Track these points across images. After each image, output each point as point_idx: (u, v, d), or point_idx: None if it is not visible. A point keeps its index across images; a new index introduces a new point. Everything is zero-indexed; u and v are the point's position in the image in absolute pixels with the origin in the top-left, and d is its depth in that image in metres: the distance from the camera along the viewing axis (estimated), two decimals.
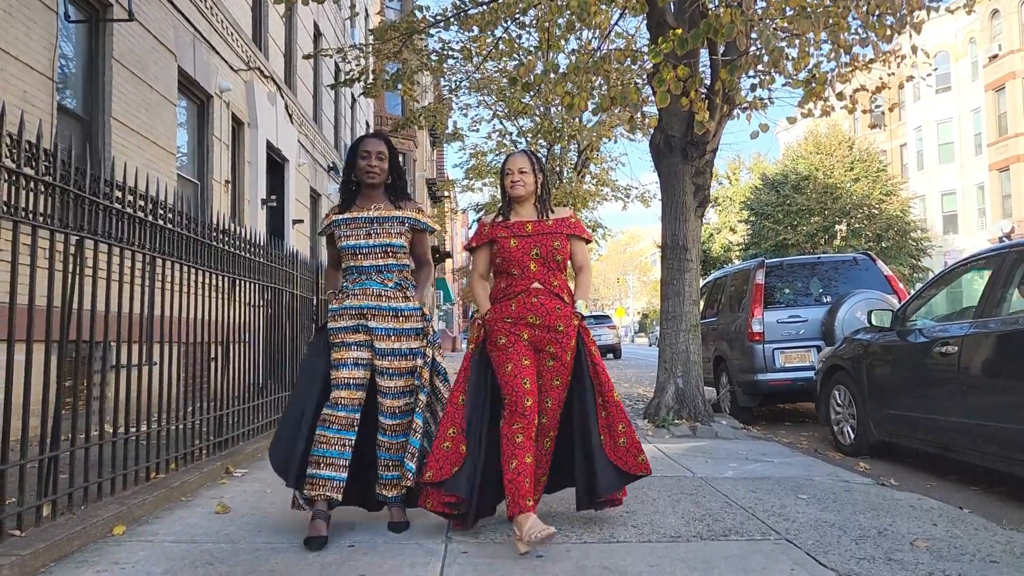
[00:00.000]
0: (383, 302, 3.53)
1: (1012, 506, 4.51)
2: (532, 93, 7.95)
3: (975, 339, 4.75)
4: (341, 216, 3.66)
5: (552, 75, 6.87)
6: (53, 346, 3.29)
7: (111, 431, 3.86)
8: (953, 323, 5.21)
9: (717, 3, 6.50)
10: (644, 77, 8.47)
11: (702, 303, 9.43)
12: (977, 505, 4.37)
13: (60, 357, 3.35)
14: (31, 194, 3.06)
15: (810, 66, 6.63)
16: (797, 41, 6.63)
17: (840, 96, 6.86)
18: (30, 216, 3.05)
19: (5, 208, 2.91)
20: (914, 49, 6.77)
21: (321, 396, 3.56)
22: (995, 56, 31.48)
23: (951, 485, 5.15)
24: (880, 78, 7.43)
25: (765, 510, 3.91)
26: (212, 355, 5.03)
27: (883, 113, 22.38)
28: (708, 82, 7.18)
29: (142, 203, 3.89)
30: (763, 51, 5.88)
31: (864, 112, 7.62)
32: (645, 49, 7.39)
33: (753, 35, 6.13)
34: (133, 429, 3.95)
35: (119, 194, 3.68)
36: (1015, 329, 4.43)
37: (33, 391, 3.13)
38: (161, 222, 4.09)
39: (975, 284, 5.32)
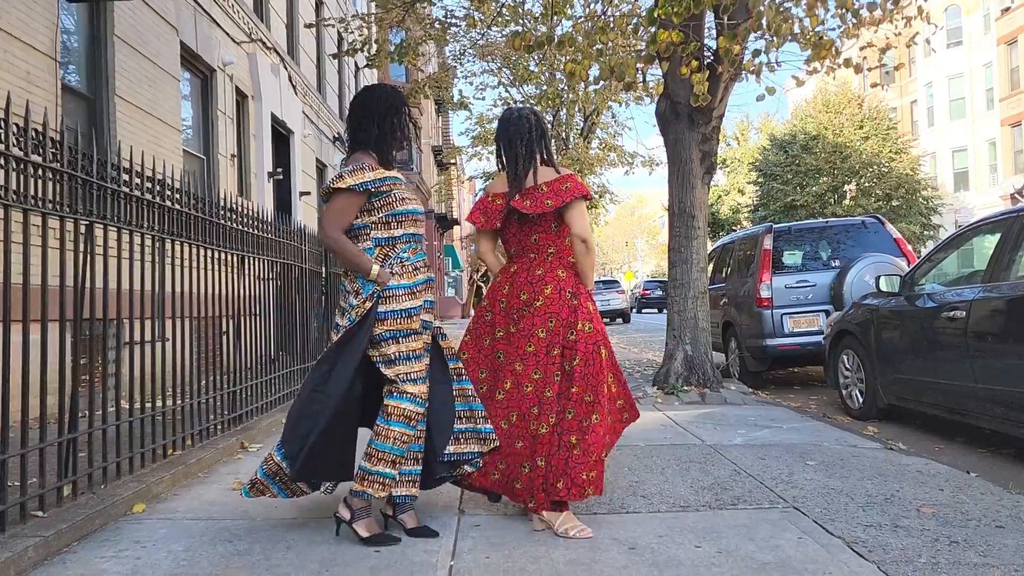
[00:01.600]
0: (431, 273, 3.28)
1: (1019, 468, 4.54)
2: (537, 59, 7.89)
3: (983, 304, 4.75)
4: (393, 174, 3.13)
5: (554, 42, 6.81)
6: (67, 326, 3.33)
7: (127, 407, 3.92)
8: (961, 287, 5.22)
9: None
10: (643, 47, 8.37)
11: (710, 268, 9.43)
12: (984, 468, 4.41)
13: (75, 335, 3.39)
14: (40, 181, 3.08)
15: (816, 28, 6.55)
16: (803, 3, 6.53)
17: (848, 63, 6.77)
18: (39, 203, 3.08)
19: (15, 196, 2.94)
20: (920, 11, 6.67)
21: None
22: (1007, 9, 30.93)
23: (959, 448, 5.19)
24: (886, 37, 7.33)
25: (773, 477, 3.95)
26: (224, 329, 5.08)
27: (888, 73, 21.99)
28: (714, 46, 7.09)
29: (150, 185, 3.91)
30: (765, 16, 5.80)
31: (871, 70, 7.52)
32: (643, 15, 7.30)
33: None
34: (149, 406, 4.01)
35: (127, 177, 3.70)
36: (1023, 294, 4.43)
37: (49, 370, 3.17)
38: (169, 203, 4.12)
39: (983, 248, 5.30)
